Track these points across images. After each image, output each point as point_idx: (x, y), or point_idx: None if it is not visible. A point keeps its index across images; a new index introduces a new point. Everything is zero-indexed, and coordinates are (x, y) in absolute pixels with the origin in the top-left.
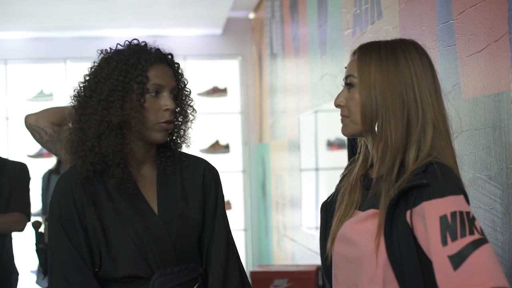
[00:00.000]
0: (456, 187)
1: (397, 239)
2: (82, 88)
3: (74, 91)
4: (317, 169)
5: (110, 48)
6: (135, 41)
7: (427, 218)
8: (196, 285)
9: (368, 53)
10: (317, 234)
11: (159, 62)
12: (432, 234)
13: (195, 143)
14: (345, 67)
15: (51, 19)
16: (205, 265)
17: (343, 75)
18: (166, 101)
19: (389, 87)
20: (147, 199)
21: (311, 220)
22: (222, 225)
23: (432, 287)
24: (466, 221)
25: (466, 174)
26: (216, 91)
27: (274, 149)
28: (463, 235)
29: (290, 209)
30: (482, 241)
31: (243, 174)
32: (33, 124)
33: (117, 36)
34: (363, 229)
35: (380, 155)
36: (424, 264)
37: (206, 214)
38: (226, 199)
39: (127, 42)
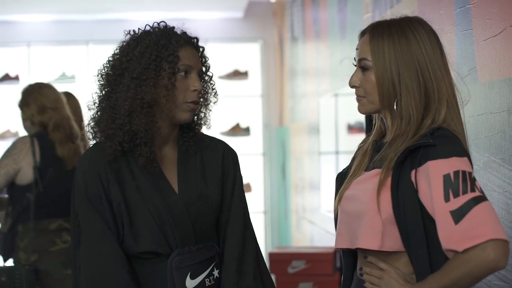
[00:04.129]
0: (461, 149)
1: (402, 197)
2: (111, 67)
3: (100, 70)
4: (337, 153)
5: (138, 28)
6: (163, 23)
7: (431, 176)
8: (213, 264)
9: (380, 36)
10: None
11: (187, 44)
12: (435, 191)
13: (215, 126)
14: (356, 48)
15: (74, 2)
16: (222, 245)
17: None
18: (194, 81)
19: (405, 67)
20: (168, 179)
21: (330, 202)
22: (239, 206)
23: (433, 246)
24: (468, 179)
25: (481, 157)
26: (237, 74)
27: (294, 132)
28: (465, 192)
29: (309, 192)
30: (482, 198)
31: (263, 157)
32: None
33: (138, 19)
34: (365, 186)
35: (402, 132)
36: (427, 223)
37: (224, 195)
38: (246, 181)
39: (155, 24)
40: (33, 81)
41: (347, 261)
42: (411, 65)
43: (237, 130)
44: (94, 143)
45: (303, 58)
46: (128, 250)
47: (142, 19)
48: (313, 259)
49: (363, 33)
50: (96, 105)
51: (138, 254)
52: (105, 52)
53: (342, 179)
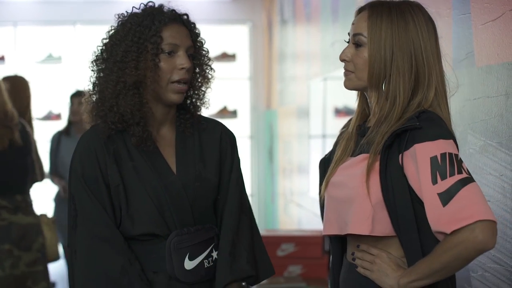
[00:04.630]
0: (446, 131)
1: (390, 181)
2: (100, 52)
3: (92, 55)
4: (324, 136)
5: (126, 11)
6: (150, 4)
7: (418, 159)
8: (212, 245)
9: (379, 15)
10: None
11: (173, 22)
12: (423, 173)
13: (203, 109)
14: (352, 23)
15: None
16: (219, 227)
17: None
18: (181, 60)
19: (399, 49)
20: (166, 159)
21: (316, 186)
22: (235, 189)
23: (424, 229)
24: (455, 161)
25: (477, 141)
26: (225, 57)
27: (282, 115)
28: (452, 174)
29: (298, 175)
30: (469, 179)
31: (251, 140)
32: None
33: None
34: (353, 171)
35: (385, 113)
36: (417, 206)
37: (221, 177)
38: None
39: (142, 5)
40: (19, 61)
41: (335, 246)
42: (406, 48)
43: (225, 113)
44: (91, 126)
45: (292, 41)
46: (126, 232)
47: (130, 0)
48: (302, 242)
49: (360, 10)
50: (90, 89)
51: (136, 236)
52: (92, 33)
53: (325, 165)
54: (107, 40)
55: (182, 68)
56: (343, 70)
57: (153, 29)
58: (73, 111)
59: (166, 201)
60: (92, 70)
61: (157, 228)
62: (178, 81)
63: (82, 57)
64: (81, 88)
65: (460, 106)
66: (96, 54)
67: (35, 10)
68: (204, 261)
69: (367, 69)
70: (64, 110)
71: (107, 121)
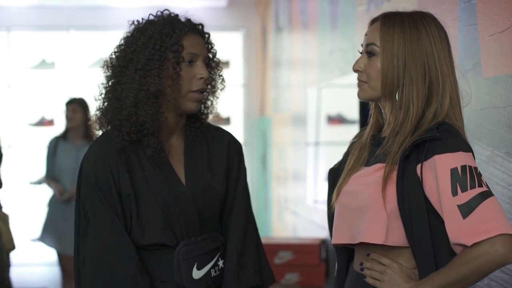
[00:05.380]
0: (466, 144)
1: (407, 191)
2: (116, 58)
3: (106, 61)
4: (316, 144)
5: (142, 18)
6: (167, 12)
7: (438, 170)
8: (218, 255)
9: (392, 24)
10: (318, 206)
11: (192, 31)
12: (443, 185)
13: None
14: (365, 34)
15: None
16: (225, 235)
17: (354, 51)
18: (200, 69)
19: (412, 58)
20: (175, 169)
21: (316, 193)
22: (242, 198)
23: (437, 241)
24: (475, 174)
25: (484, 151)
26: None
27: (277, 122)
28: (472, 186)
29: (293, 183)
30: (489, 193)
31: (245, 146)
32: None
33: (120, 6)
34: (368, 180)
35: (400, 123)
36: (431, 218)
37: (228, 186)
38: None
39: (159, 13)
40: (12, 67)
41: (342, 255)
42: (419, 57)
43: (218, 120)
44: (102, 133)
45: (288, 49)
46: (136, 242)
47: (124, 6)
48: (300, 250)
49: (373, 21)
50: (103, 95)
51: (146, 246)
52: (86, 39)
53: (334, 174)
54: (125, 47)
55: (201, 78)
56: (342, 78)
57: (174, 37)
58: (68, 118)
59: (175, 212)
60: (107, 76)
61: (166, 238)
62: (197, 91)
63: (76, 63)
64: (74, 95)
65: (466, 116)
66: (111, 60)
67: (29, 16)
68: (211, 270)
69: (380, 79)
70: (57, 116)
71: (122, 131)
